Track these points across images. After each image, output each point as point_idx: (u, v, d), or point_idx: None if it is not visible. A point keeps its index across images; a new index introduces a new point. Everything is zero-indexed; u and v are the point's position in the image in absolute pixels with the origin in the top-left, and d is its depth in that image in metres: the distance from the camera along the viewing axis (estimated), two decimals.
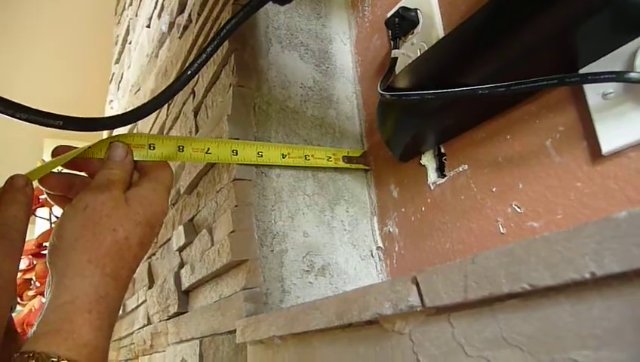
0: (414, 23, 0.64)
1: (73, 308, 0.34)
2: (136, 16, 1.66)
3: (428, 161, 0.62)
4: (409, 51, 0.64)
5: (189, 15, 0.95)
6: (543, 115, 0.48)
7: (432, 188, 0.61)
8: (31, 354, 0.31)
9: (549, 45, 0.44)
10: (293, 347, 0.46)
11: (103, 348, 0.35)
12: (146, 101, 0.45)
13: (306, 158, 0.65)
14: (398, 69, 0.64)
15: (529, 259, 0.25)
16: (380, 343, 0.35)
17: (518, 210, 0.49)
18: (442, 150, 0.60)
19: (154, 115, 1.10)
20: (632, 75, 0.39)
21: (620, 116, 0.41)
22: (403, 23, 0.65)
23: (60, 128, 0.37)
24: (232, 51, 0.70)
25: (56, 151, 0.41)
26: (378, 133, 0.66)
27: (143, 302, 1.06)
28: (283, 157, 0.63)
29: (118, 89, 1.84)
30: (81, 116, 0.39)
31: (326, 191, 0.69)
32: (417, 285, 0.31)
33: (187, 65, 0.47)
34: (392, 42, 0.66)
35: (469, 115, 0.55)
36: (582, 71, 0.44)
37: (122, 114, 0.44)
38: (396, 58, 0.64)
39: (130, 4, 1.76)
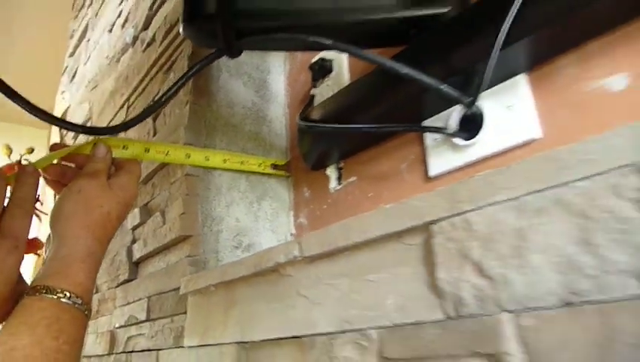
0: (329, 70, 0.87)
1: (71, 259, 0.47)
2: (96, 16, 1.80)
3: (331, 171, 0.85)
4: (324, 91, 0.87)
5: (154, 35, 1.14)
6: (402, 148, 0.72)
7: (332, 191, 0.84)
8: (41, 286, 0.44)
9: (407, 104, 0.68)
10: (223, 291, 0.67)
11: (90, 288, 0.49)
12: (127, 119, 0.65)
13: (242, 163, 0.85)
14: (316, 102, 0.87)
15: (355, 227, 0.48)
16: (277, 282, 0.58)
17: None
18: (341, 165, 0.84)
19: (119, 116, 1.27)
20: (447, 130, 0.64)
21: (441, 154, 0.66)
22: (321, 69, 0.88)
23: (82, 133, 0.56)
24: (198, 70, 0.90)
25: (53, 148, 0.57)
26: (298, 149, 0.89)
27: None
28: (224, 162, 0.83)
29: (71, 81, 1.96)
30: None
31: (255, 190, 0.91)
32: (299, 244, 0.54)
33: (160, 95, 0.67)
34: (312, 82, 0.89)
35: (359, 142, 0.79)
36: (424, 123, 0.69)
37: (115, 126, 0.63)
38: (314, 95, 0.87)
39: (91, 5, 1.90)
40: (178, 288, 0.79)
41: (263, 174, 0.92)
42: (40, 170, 0.55)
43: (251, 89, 0.97)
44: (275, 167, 0.91)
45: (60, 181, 0.56)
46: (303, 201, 0.91)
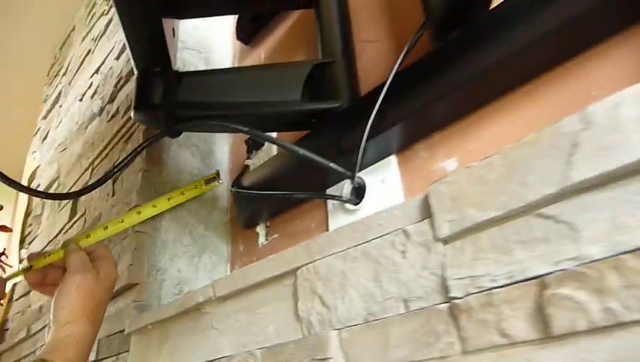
0: (262, 144, 1.05)
1: (68, 340, 0.59)
2: (69, 84, 1.98)
3: (260, 229, 1.01)
4: (256, 161, 1.04)
5: (117, 108, 1.31)
6: (312, 210, 0.89)
7: (261, 246, 1.00)
8: (41, 360, 0.57)
9: (315, 175, 0.85)
10: (158, 329, 0.81)
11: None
12: (90, 183, 0.80)
13: (182, 194, 0.93)
14: (249, 171, 1.04)
15: (250, 273, 0.64)
16: (198, 318, 0.72)
17: None
18: (268, 224, 1.00)
19: (84, 177, 1.41)
20: (341, 198, 0.81)
21: (338, 216, 0.83)
22: (254, 143, 1.06)
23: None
24: (144, 148, 1.07)
25: (30, 258, 0.70)
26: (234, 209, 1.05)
27: (46, 325, 1.33)
28: (169, 200, 0.91)
29: (42, 143, 2.11)
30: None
31: (197, 244, 1.06)
32: (213, 287, 0.69)
33: (118, 163, 0.83)
34: (247, 153, 1.06)
35: (281, 206, 0.96)
36: (327, 191, 0.86)
37: (74, 192, 0.78)
38: (247, 165, 1.04)
39: (64, 74, 2.08)
40: (124, 330, 0.92)
41: (207, 232, 1.07)
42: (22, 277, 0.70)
43: (198, 158, 1.14)
44: (207, 181, 1.03)
45: (42, 282, 0.69)
46: (237, 254, 1.06)
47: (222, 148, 1.20)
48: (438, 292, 0.43)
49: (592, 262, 0.33)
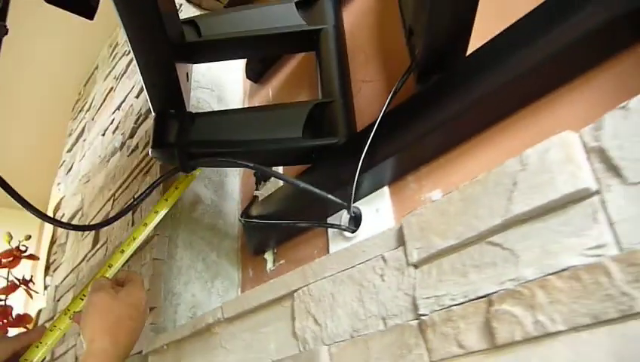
0: (269, 176, 1.13)
1: (86, 355, 0.61)
2: (93, 120, 2.10)
3: (268, 256, 1.08)
4: (264, 192, 1.12)
5: (137, 143, 1.41)
6: (314, 238, 0.96)
7: (269, 271, 1.06)
8: None
9: (317, 205, 0.93)
10: (173, 349, 0.88)
11: None
12: (111, 214, 0.89)
13: (176, 188, 1.01)
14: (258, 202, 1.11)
15: (254, 296, 0.71)
16: (208, 339, 0.79)
17: None
18: (275, 251, 1.07)
19: (106, 208, 1.51)
20: (340, 226, 0.88)
21: (337, 242, 0.89)
22: (263, 176, 1.13)
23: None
24: (161, 182, 1.15)
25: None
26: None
27: (72, 347, 1.41)
28: (166, 200, 0.99)
29: (67, 174, 2.22)
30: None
31: (210, 270, 1.14)
32: (222, 309, 0.76)
33: (137, 197, 0.92)
34: (255, 185, 1.14)
35: (287, 234, 1.03)
36: (328, 220, 0.93)
37: (98, 223, 0.87)
38: (256, 196, 1.12)
39: (88, 110, 2.20)
40: (141, 351, 0.99)
41: (219, 259, 1.15)
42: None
43: (211, 189, 1.23)
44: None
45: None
46: (247, 279, 1.13)
47: (233, 180, 1.28)
48: (410, 310, 0.49)
49: (527, 282, 0.40)
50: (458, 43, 0.69)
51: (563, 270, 0.38)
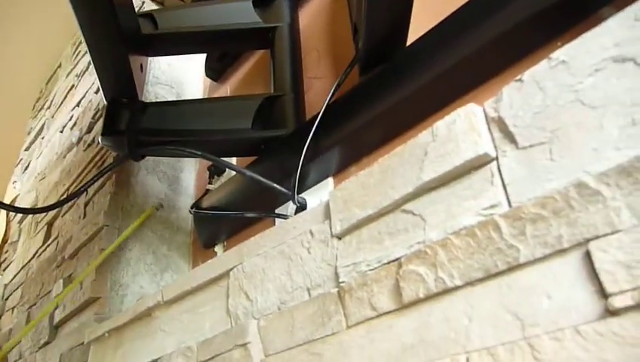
0: (223, 170, 1.14)
1: None
2: (52, 117, 2.07)
3: (218, 249, 1.09)
4: (218, 186, 1.13)
5: (94, 138, 1.40)
6: (265, 230, 0.97)
7: None
8: None
9: (265, 196, 0.94)
10: (114, 336, 0.88)
11: None
12: (60, 198, 0.88)
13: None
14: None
15: (192, 276, 0.71)
16: (149, 323, 0.79)
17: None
18: (225, 244, 1.07)
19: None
20: (286, 216, 0.89)
21: None
22: (216, 169, 1.14)
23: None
24: (114, 172, 1.15)
25: None
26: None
27: (17, 343, 1.38)
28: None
29: (23, 173, 2.18)
30: None
31: (160, 263, 1.13)
32: (162, 292, 0.76)
33: (85, 183, 0.92)
34: (209, 179, 1.15)
35: (236, 226, 1.03)
36: (276, 210, 0.94)
37: (46, 206, 0.86)
38: (209, 189, 1.12)
39: (49, 108, 2.17)
40: (84, 342, 0.98)
41: (170, 253, 1.14)
42: None
43: (165, 183, 1.23)
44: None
45: None
46: None
47: (188, 176, 1.28)
48: (332, 279, 0.51)
49: (431, 243, 0.42)
50: (396, 35, 0.72)
51: (461, 229, 0.40)
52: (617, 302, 0.30)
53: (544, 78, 0.39)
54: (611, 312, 0.31)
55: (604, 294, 0.31)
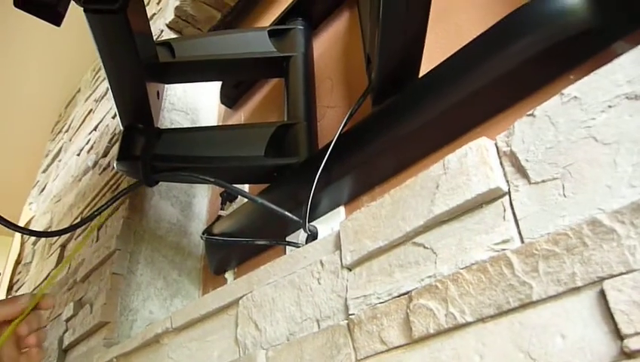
0: (235, 197, 1.14)
1: None
2: (70, 140, 2.11)
3: (229, 275, 1.08)
4: (230, 213, 1.13)
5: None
6: (274, 257, 0.97)
7: None
8: None
9: (275, 223, 0.94)
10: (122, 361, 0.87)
11: None
12: (74, 222, 0.89)
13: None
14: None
15: (201, 304, 0.71)
16: (157, 349, 0.79)
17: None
18: (235, 270, 1.07)
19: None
20: (297, 244, 0.89)
21: None
22: (229, 195, 1.15)
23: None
24: (128, 197, 1.16)
25: None
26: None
27: None
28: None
29: (40, 194, 2.21)
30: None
31: (170, 288, 1.13)
32: (171, 318, 0.76)
33: (99, 207, 0.93)
34: (221, 205, 1.15)
35: (247, 253, 1.03)
36: (287, 238, 0.94)
37: (59, 230, 0.87)
38: (220, 216, 1.13)
39: (67, 131, 2.21)
40: None
41: (180, 278, 1.14)
42: None
43: (177, 208, 1.23)
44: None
45: None
46: None
47: (201, 201, 1.29)
48: (342, 311, 0.51)
49: (442, 277, 0.41)
50: (409, 67, 0.73)
51: (472, 264, 0.40)
52: (632, 344, 0.29)
53: (556, 113, 0.39)
54: (627, 354, 0.30)
55: (619, 335, 0.31)
